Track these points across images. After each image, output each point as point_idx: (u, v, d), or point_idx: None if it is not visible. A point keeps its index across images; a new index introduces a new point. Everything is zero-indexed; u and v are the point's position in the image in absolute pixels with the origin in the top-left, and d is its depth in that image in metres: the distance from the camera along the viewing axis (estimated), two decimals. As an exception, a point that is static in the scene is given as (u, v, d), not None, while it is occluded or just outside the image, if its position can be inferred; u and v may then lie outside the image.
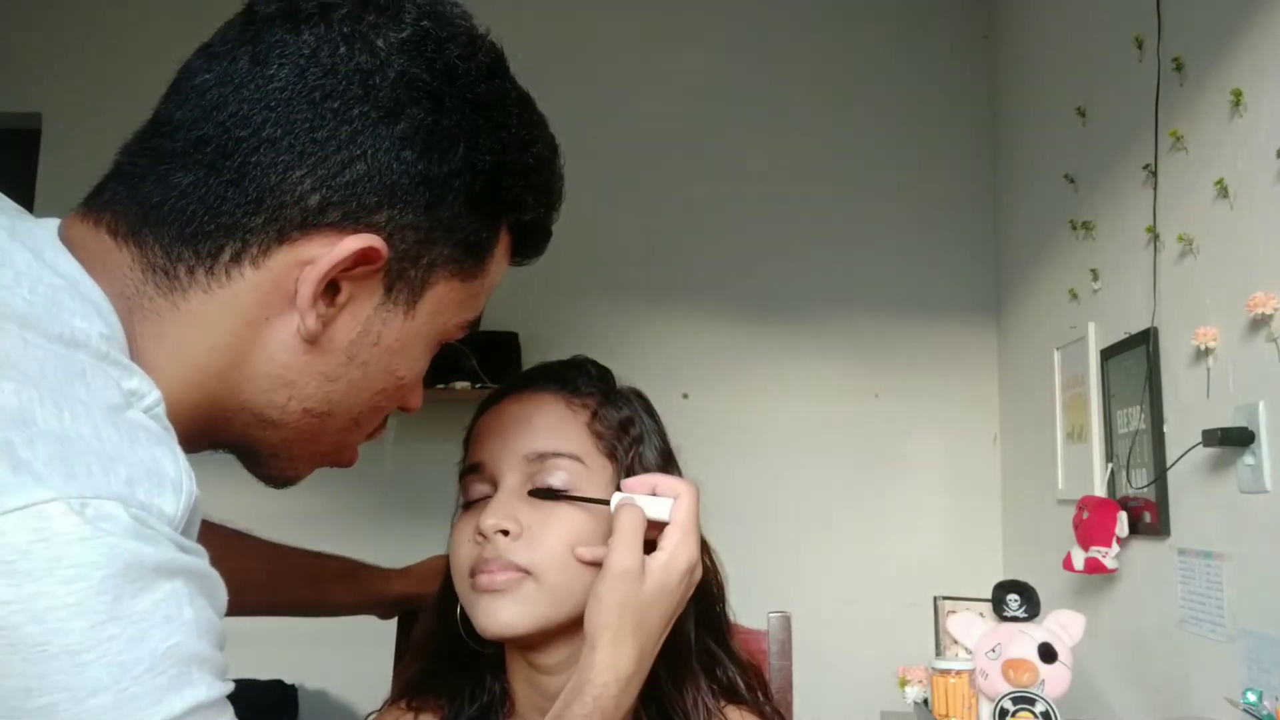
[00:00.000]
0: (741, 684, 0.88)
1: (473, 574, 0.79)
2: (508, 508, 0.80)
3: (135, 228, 0.55)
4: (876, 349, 2.74)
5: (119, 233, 0.56)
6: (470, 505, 0.84)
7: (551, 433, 0.83)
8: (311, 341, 0.58)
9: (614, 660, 0.73)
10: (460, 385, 2.52)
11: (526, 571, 0.78)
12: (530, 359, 2.59)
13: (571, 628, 0.80)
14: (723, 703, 0.86)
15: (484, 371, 2.51)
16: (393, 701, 0.90)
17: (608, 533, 0.80)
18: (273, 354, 0.58)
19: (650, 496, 0.79)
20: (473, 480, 0.84)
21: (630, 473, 0.84)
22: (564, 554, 0.79)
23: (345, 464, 0.67)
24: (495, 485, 0.82)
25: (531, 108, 0.71)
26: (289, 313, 0.57)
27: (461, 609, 0.83)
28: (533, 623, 0.78)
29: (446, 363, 2.56)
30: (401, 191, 0.57)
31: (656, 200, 2.81)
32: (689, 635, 0.84)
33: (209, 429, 0.59)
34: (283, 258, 0.56)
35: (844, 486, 2.69)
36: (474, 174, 0.60)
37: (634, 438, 0.86)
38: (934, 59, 2.84)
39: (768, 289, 2.77)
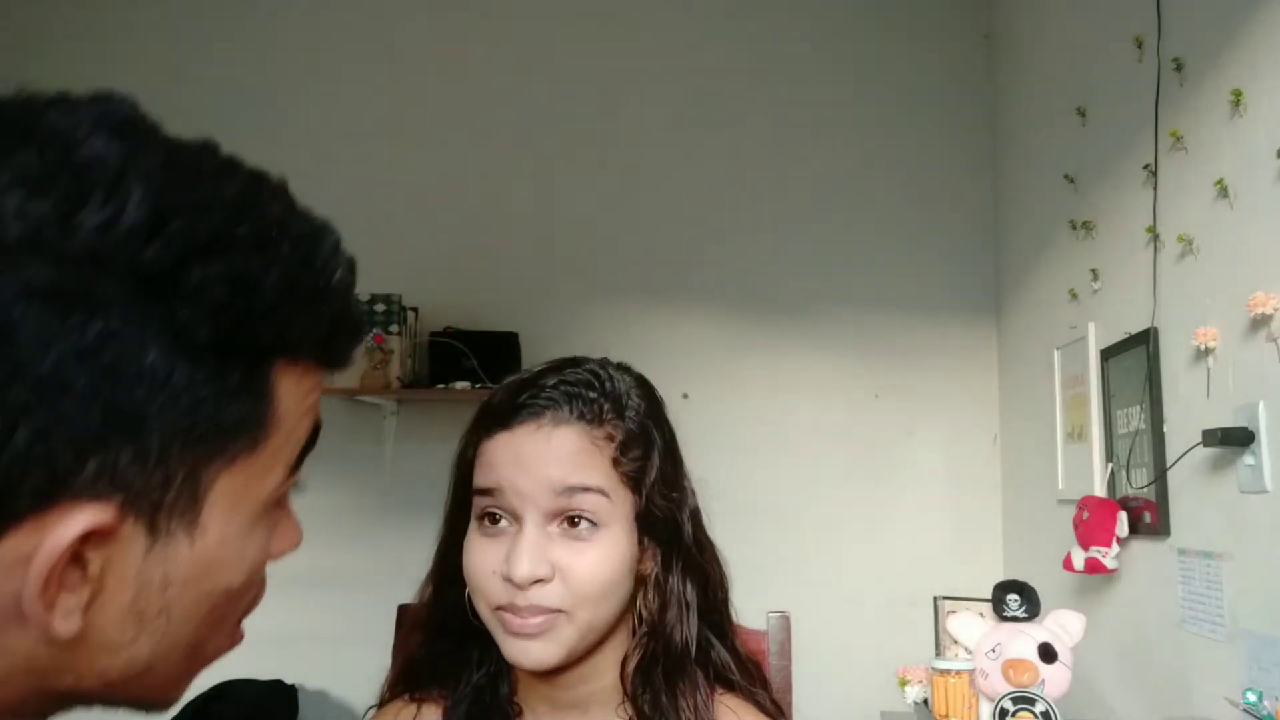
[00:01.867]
0: (739, 676, 0.89)
1: (498, 608, 0.79)
2: (539, 550, 0.78)
3: None
4: (876, 349, 2.74)
5: None
6: (483, 519, 0.82)
7: (579, 467, 0.81)
8: (76, 638, 0.45)
9: None
10: (460, 385, 2.52)
11: (560, 611, 0.78)
12: (530, 359, 2.58)
13: (592, 648, 0.82)
14: (720, 691, 0.88)
15: (484, 371, 2.51)
16: (392, 692, 0.91)
17: (634, 560, 0.82)
18: (29, 658, 0.45)
19: None
20: (488, 502, 0.82)
21: (649, 501, 0.84)
22: (595, 589, 0.79)
23: (227, 649, 0.55)
24: (516, 516, 0.80)
25: (247, 214, 0.47)
26: (26, 623, 0.44)
27: (469, 594, 0.83)
28: (563, 655, 0.79)
29: (447, 363, 2.56)
30: (96, 435, 0.43)
31: (656, 200, 2.82)
32: (688, 636, 0.85)
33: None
34: None
35: (844, 486, 2.69)
36: (190, 359, 0.45)
37: (654, 466, 0.85)
38: (934, 59, 2.84)
39: (768, 289, 2.78)
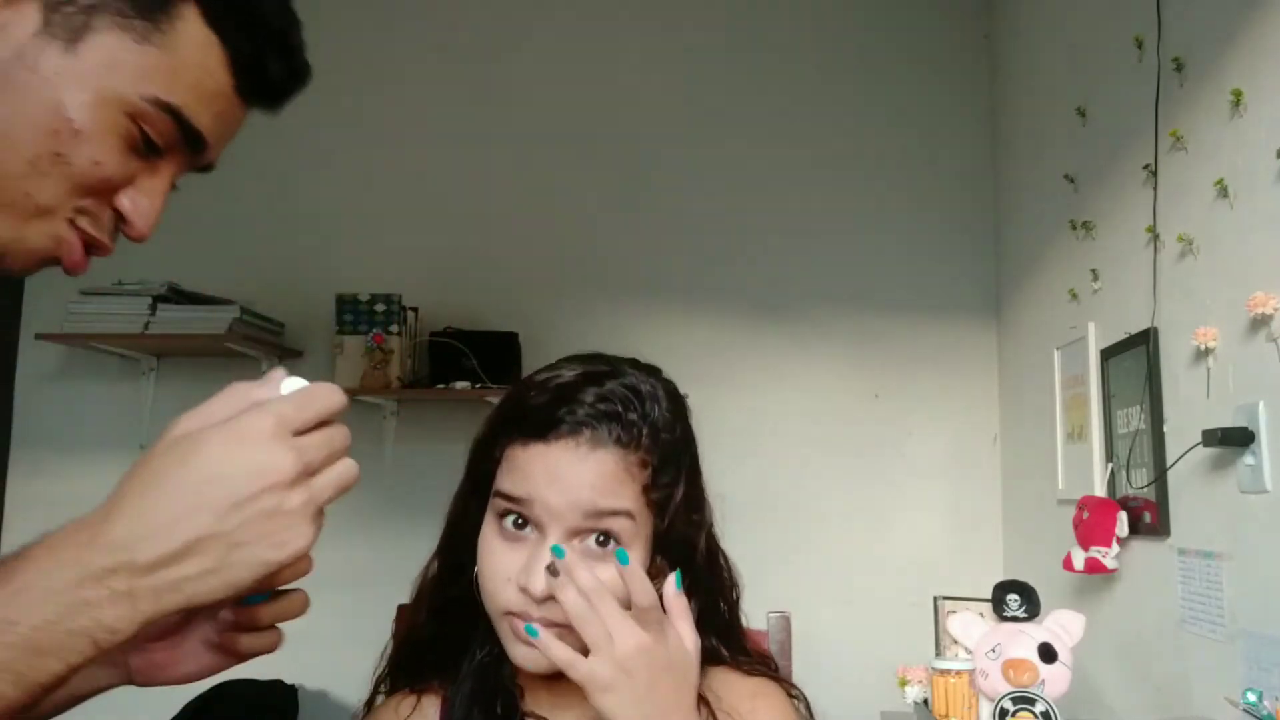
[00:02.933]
0: (724, 649, 0.90)
1: (509, 612, 0.80)
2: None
3: None
4: (876, 349, 2.74)
5: None
6: (504, 517, 0.83)
7: (609, 490, 0.81)
8: None
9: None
10: (460, 385, 2.52)
11: (570, 627, 0.78)
12: (530, 359, 2.59)
13: None
14: (705, 667, 0.87)
15: (484, 371, 2.51)
16: (391, 685, 0.92)
17: (647, 563, 0.83)
18: None
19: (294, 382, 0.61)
20: (516, 510, 0.82)
21: (672, 524, 0.84)
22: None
23: (66, 259, 0.65)
24: (540, 527, 0.81)
25: None
26: None
27: (477, 577, 0.84)
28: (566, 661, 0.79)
29: (447, 363, 2.56)
30: None
31: (657, 200, 2.82)
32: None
33: None
34: None
35: (844, 486, 2.69)
36: None
37: (680, 491, 0.86)
38: (934, 59, 2.84)
39: (768, 289, 2.78)
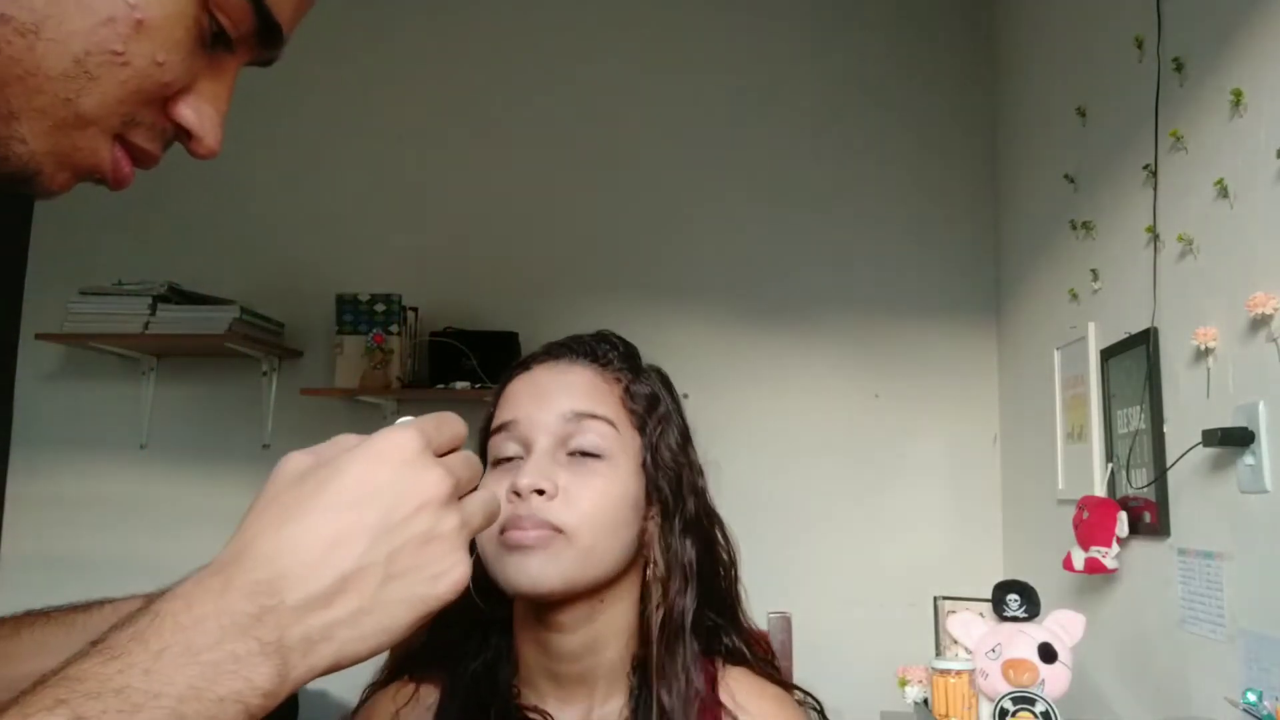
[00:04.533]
0: (746, 651, 0.90)
1: (503, 530, 0.80)
2: (544, 468, 0.81)
3: None
4: (876, 349, 2.74)
5: None
6: (499, 463, 0.85)
7: (588, 396, 0.86)
8: None
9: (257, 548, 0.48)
10: (460, 385, 2.52)
11: (559, 530, 0.79)
12: (530, 359, 2.59)
13: (594, 590, 0.82)
14: (724, 665, 0.89)
15: (484, 371, 2.51)
16: (392, 673, 0.91)
17: (640, 507, 0.84)
18: None
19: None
20: (503, 439, 0.85)
21: (655, 449, 0.87)
22: (597, 516, 0.81)
23: (111, 176, 0.52)
24: (527, 446, 0.84)
25: None
26: None
27: (476, 561, 0.83)
28: (560, 581, 0.79)
29: (447, 363, 2.56)
30: None
31: (657, 200, 2.82)
32: (684, 608, 0.86)
33: None
34: None
35: (844, 486, 2.69)
36: None
37: (661, 415, 0.90)
38: (934, 59, 2.84)
39: (768, 289, 2.78)
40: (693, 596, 0.86)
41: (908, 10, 2.87)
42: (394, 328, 2.56)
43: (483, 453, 0.89)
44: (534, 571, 0.79)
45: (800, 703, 0.92)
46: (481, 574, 0.83)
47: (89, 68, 0.47)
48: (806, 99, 2.84)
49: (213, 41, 0.51)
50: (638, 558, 0.86)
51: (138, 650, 0.42)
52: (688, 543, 0.87)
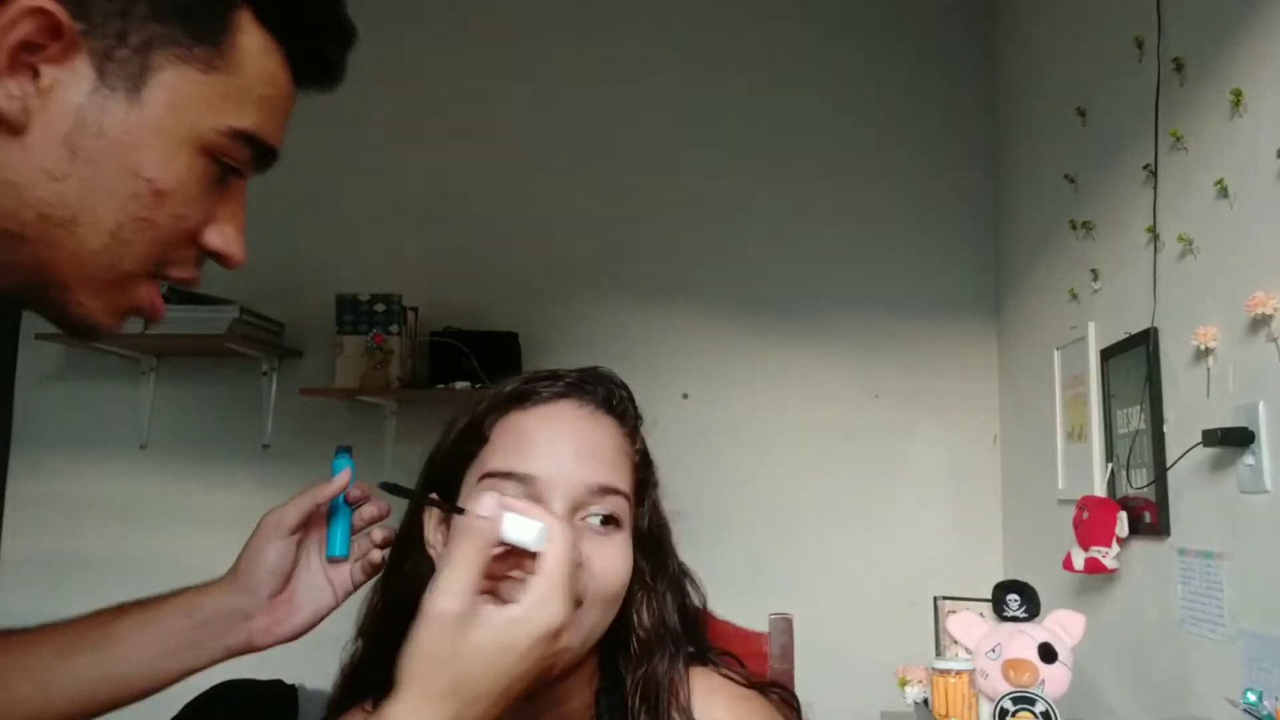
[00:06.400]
0: (712, 655, 0.87)
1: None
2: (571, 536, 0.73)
3: None
4: (876, 349, 2.74)
5: None
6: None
7: (615, 468, 0.79)
8: (17, 131, 0.52)
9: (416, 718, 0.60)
10: (460, 385, 2.52)
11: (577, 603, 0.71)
12: (530, 359, 2.59)
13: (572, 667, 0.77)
14: (689, 668, 0.84)
15: (484, 371, 2.51)
16: (346, 688, 0.86)
17: (636, 563, 0.78)
18: None
19: (520, 516, 0.65)
20: (509, 487, 0.76)
21: (650, 513, 0.82)
22: (610, 590, 0.76)
23: (146, 308, 0.62)
24: (539, 502, 0.74)
25: None
26: None
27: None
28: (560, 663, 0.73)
29: (447, 363, 2.56)
30: None
31: (657, 200, 2.82)
32: (666, 671, 0.82)
33: None
34: None
35: (844, 486, 2.69)
36: None
37: (654, 479, 0.84)
38: (934, 59, 2.84)
39: (768, 289, 2.77)
40: (676, 657, 0.82)
41: (908, 11, 2.87)
42: (394, 328, 2.56)
43: (457, 461, 0.83)
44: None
45: (783, 701, 0.87)
46: None
47: (123, 237, 0.56)
48: (807, 99, 2.84)
49: (222, 176, 0.61)
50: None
51: None
52: (668, 601, 0.83)
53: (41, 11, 0.51)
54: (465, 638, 0.61)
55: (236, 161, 0.61)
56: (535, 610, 0.62)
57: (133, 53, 0.54)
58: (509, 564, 0.67)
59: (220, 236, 0.63)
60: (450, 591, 0.61)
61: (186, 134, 0.57)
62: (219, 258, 0.64)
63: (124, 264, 0.58)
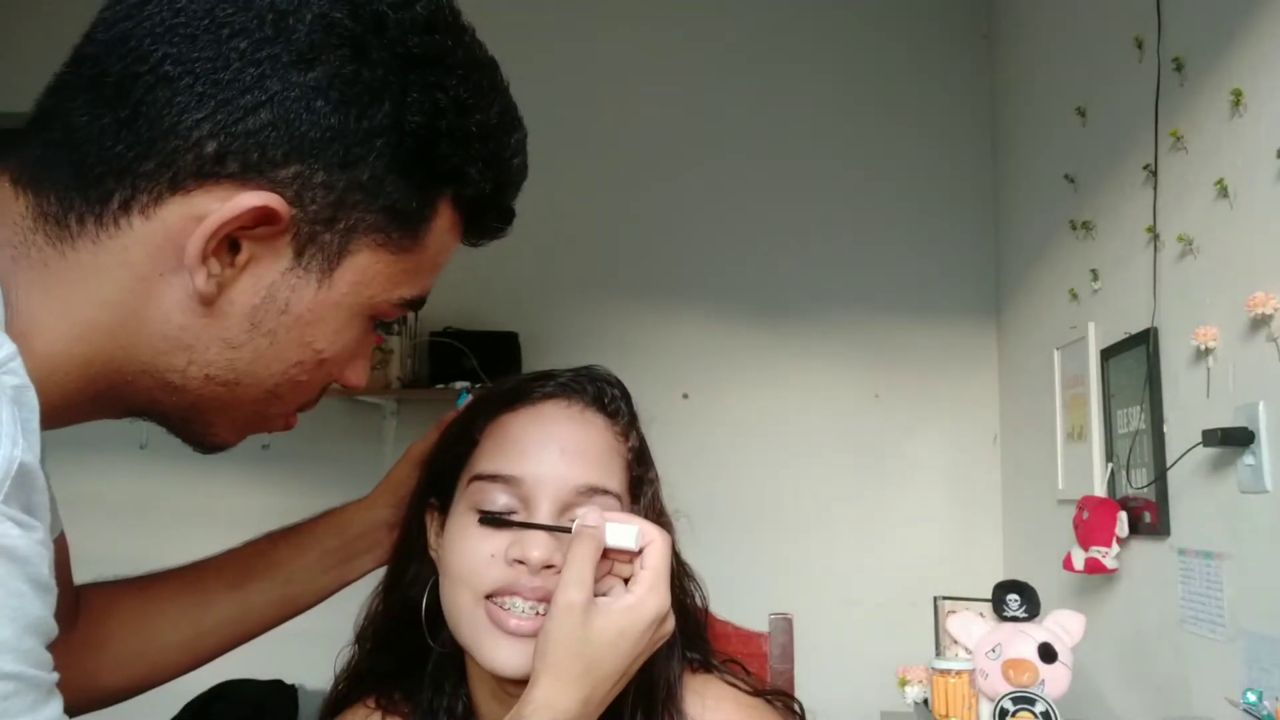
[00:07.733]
0: (715, 660, 0.86)
1: (491, 596, 0.74)
2: (555, 539, 0.74)
3: (35, 173, 0.52)
4: (876, 349, 2.74)
5: (21, 178, 0.52)
6: (490, 517, 0.76)
7: (604, 467, 0.78)
8: (207, 304, 0.53)
9: (556, 700, 0.66)
10: (460, 385, 2.52)
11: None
12: (530, 359, 2.59)
13: None
14: (691, 674, 0.84)
15: (484, 371, 2.51)
16: (348, 685, 0.86)
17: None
18: (167, 313, 0.53)
19: (618, 524, 0.73)
20: (496, 491, 0.76)
21: (648, 514, 0.81)
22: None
23: (280, 429, 0.64)
24: (526, 505, 0.76)
25: (484, 71, 0.63)
26: (183, 270, 0.52)
27: (427, 610, 0.79)
28: None
29: (447, 363, 2.56)
30: (311, 145, 0.52)
31: (656, 200, 2.81)
32: (668, 674, 0.81)
33: (111, 392, 0.55)
34: (176, 209, 0.51)
35: (844, 487, 2.69)
36: (400, 135, 0.54)
37: (651, 476, 0.84)
38: (934, 59, 2.84)
39: (768, 289, 2.77)
40: (677, 658, 0.81)
41: (908, 10, 2.87)
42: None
43: (448, 464, 0.82)
44: (522, 662, 0.72)
45: (788, 709, 0.86)
46: (434, 603, 0.79)
47: (279, 394, 0.59)
48: (807, 99, 2.84)
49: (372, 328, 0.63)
50: None
51: None
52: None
53: (266, 208, 0.51)
54: (591, 624, 0.68)
55: (394, 319, 0.63)
56: (646, 598, 0.70)
57: (336, 237, 0.55)
58: (601, 568, 0.73)
59: (355, 374, 0.63)
60: (576, 584, 0.68)
61: (365, 308, 0.58)
62: (345, 384, 0.64)
63: (270, 412, 0.61)
